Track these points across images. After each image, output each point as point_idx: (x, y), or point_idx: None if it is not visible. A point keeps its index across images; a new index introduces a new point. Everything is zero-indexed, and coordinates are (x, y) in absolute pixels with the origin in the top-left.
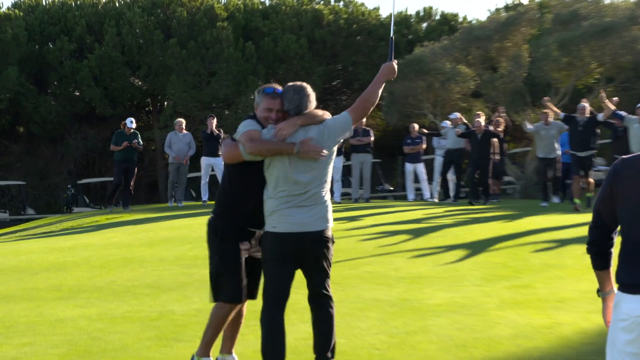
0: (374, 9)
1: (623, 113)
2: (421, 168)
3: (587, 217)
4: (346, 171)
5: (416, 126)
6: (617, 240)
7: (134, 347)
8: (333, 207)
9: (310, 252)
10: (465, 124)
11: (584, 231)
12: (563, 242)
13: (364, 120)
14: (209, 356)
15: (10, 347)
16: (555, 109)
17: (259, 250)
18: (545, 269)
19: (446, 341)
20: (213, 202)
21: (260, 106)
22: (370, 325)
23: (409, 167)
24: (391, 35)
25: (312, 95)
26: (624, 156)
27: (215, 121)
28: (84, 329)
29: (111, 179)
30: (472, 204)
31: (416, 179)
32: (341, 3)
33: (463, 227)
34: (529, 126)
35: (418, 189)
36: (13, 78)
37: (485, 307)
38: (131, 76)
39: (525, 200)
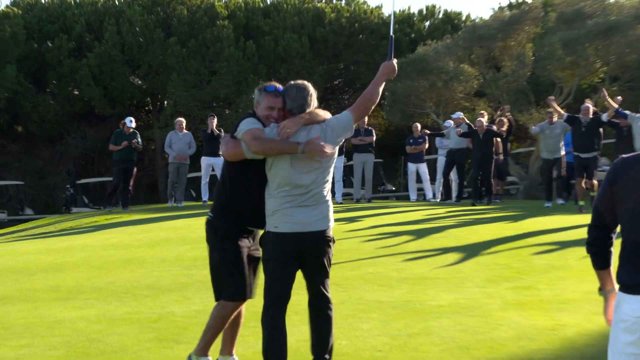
0: (376, 7)
1: (627, 112)
2: (424, 168)
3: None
4: (348, 171)
5: (419, 126)
6: (617, 241)
7: (133, 349)
8: (334, 207)
9: (311, 252)
10: (467, 123)
11: None
12: (567, 243)
13: (366, 119)
14: (207, 356)
15: (8, 349)
16: (559, 109)
17: (257, 249)
18: (549, 270)
19: (449, 343)
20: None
21: (261, 104)
22: (372, 326)
23: (411, 167)
24: (391, 34)
25: (315, 94)
26: (624, 155)
27: (215, 121)
28: (82, 330)
29: (110, 179)
30: (475, 205)
31: (419, 179)
32: (343, 1)
33: (466, 228)
34: (534, 128)
35: (420, 189)
36: (11, 77)
37: (488, 309)
38: (131, 75)
39: (529, 201)
